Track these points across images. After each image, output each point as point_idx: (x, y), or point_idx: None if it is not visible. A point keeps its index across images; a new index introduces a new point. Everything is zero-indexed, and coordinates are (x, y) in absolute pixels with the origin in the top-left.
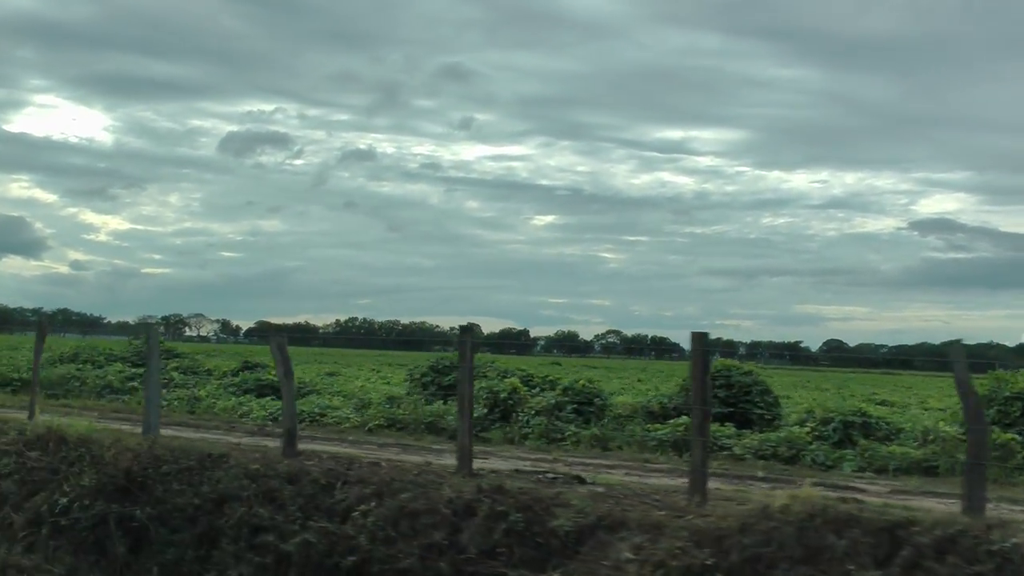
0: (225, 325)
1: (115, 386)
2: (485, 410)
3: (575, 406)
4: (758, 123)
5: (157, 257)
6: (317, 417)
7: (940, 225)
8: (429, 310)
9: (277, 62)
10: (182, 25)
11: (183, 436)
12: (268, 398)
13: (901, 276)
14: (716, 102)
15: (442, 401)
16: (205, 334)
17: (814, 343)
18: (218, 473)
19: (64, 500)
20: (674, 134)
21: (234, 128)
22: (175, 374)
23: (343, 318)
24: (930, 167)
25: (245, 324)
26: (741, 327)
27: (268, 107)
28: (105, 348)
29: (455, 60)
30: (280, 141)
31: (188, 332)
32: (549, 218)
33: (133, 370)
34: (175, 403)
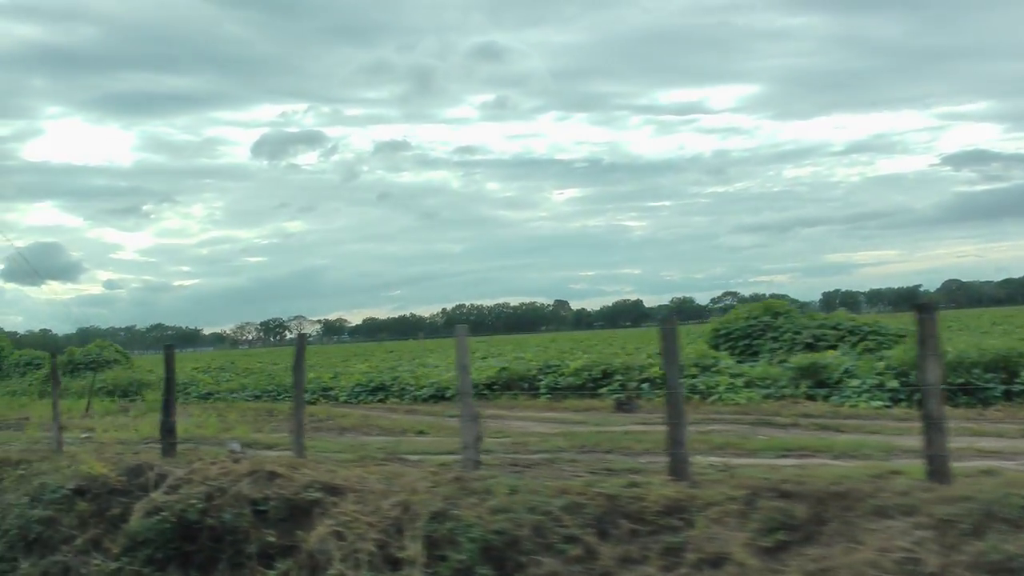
0: (328, 325)
1: None
2: None
3: None
4: (771, 75)
5: (185, 269)
6: None
7: (974, 157)
8: (460, 295)
9: (286, 64)
10: (188, 37)
11: None
12: None
13: (933, 213)
14: (727, 58)
15: None
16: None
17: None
18: None
19: None
20: (688, 95)
21: (266, 131)
22: None
23: (449, 307)
24: (951, 100)
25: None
26: (774, 282)
27: (300, 107)
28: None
29: (466, 43)
30: (309, 140)
31: (288, 336)
32: (571, 192)
33: None
34: None
